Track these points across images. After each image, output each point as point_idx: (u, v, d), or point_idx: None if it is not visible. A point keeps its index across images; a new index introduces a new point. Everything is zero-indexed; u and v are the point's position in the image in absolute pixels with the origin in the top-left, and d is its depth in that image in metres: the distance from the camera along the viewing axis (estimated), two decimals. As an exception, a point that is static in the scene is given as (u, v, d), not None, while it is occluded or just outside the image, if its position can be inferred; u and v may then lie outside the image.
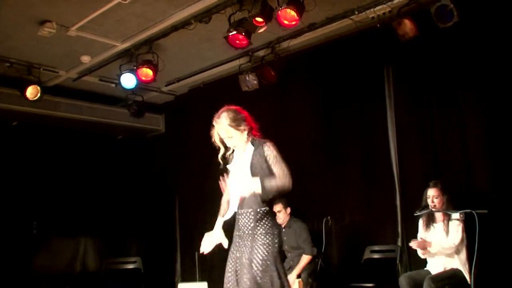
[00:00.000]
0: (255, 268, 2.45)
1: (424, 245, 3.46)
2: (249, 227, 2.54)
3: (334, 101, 4.77)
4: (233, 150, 2.68)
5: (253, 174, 2.54)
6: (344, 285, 4.28)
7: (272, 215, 2.59)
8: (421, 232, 3.60)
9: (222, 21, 3.85)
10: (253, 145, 2.62)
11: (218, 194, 2.94)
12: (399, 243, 4.09)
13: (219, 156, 2.66)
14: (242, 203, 2.59)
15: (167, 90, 5.77)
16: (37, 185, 5.66)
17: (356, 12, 3.94)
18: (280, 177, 2.49)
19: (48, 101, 5.11)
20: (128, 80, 4.60)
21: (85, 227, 5.74)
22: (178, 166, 6.02)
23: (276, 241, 2.53)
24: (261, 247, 2.49)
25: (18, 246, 5.34)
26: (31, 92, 4.78)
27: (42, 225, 5.50)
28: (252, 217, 2.54)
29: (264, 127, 5.20)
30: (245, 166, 2.59)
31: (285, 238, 4.42)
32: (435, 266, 3.50)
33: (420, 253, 3.59)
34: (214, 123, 2.61)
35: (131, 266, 5.20)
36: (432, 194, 3.50)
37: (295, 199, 4.51)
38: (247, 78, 4.75)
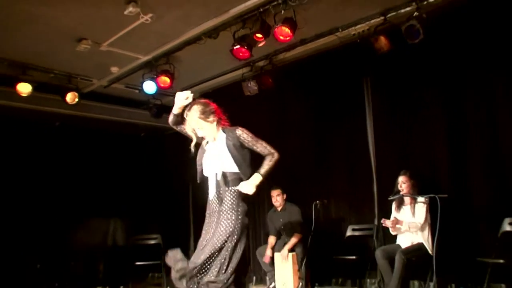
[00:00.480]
0: (216, 237, 2.29)
1: (396, 223, 3.59)
2: (217, 205, 2.40)
3: (321, 105, 4.79)
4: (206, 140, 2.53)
5: (232, 155, 2.39)
6: (330, 258, 4.39)
7: (239, 196, 2.39)
8: (393, 213, 3.73)
9: (228, 37, 3.92)
10: (224, 132, 2.48)
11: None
12: (376, 223, 4.18)
13: (192, 144, 2.52)
14: (214, 184, 2.45)
15: (182, 95, 5.82)
16: (76, 175, 5.74)
17: (340, 30, 4.03)
18: (267, 153, 2.39)
19: (84, 104, 5.22)
20: (149, 87, 4.66)
21: (115, 209, 5.79)
22: (191, 159, 6.08)
23: (240, 217, 2.34)
24: (224, 221, 2.32)
25: (62, 226, 5.43)
26: (70, 97, 4.87)
27: (80, 208, 5.56)
28: (220, 196, 2.39)
29: (262, 125, 5.36)
30: (219, 149, 2.44)
31: (281, 220, 4.56)
32: (404, 241, 3.63)
33: (391, 230, 3.70)
34: (185, 116, 2.46)
35: (152, 242, 5.19)
36: (401, 180, 3.66)
37: (291, 187, 4.68)
38: (249, 84, 4.79)
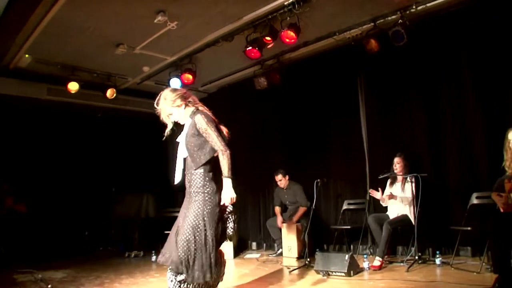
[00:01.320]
0: (188, 223, 2.14)
1: (391, 197, 3.83)
2: (188, 186, 2.25)
3: (321, 98, 4.95)
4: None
5: (186, 141, 2.22)
6: (329, 228, 4.68)
7: (205, 176, 2.20)
8: (387, 189, 3.96)
9: (241, 40, 4.09)
10: (190, 117, 2.30)
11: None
12: (367, 198, 4.36)
13: (166, 131, 2.31)
14: (185, 166, 2.29)
15: (203, 90, 5.92)
16: (115, 158, 6.08)
17: (337, 34, 4.22)
18: (217, 149, 2.16)
19: (120, 99, 5.47)
20: (175, 83, 4.76)
21: (147, 186, 5.93)
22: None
23: (207, 198, 2.16)
24: (194, 203, 2.17)
25: (104, 200, 5.80)
26: (110, 93, 5.14)
27: (118, 186, 5.86)
28: (189, 178, 2.23)
29: (270, 115, 5.56)
30: (184, 134, 2.29)
31: (286, 196, 4.85)
32: (392, 212, 3.89)
33: (381, 202, 3.98)
34: (155, 105, 2.29)
35: (178, 214, 5.61)
36: (396, 161, 3.88)
37: (295, 168, 4.91)
38: (259, 80, 4.94)
